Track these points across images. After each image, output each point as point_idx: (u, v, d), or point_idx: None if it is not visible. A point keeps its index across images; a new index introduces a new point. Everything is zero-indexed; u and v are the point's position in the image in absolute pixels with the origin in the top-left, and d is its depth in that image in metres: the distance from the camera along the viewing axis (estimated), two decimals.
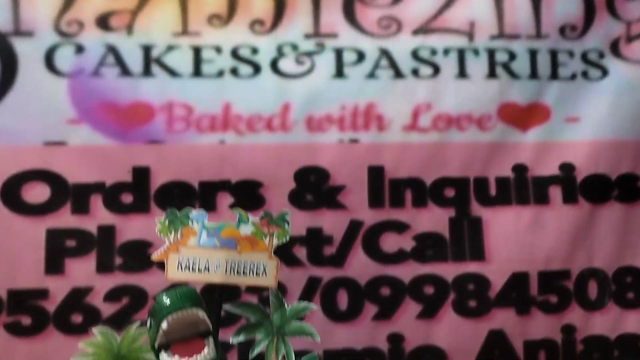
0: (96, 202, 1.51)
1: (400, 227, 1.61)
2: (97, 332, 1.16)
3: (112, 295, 1.49)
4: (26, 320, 1.47)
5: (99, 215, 1.51)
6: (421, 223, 1.61)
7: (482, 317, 1.62)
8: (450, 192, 1.63)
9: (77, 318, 1.47)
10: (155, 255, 1.21)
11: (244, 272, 1.21)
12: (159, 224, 1.20)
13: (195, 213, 1.21)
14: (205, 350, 0.99)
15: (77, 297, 1.47)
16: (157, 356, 1.00)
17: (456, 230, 1.62)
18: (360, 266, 1.59)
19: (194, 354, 0.99)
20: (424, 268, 1.61)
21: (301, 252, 1.57)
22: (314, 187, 1.58)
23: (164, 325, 0.97)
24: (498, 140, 1.65)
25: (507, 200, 1.65)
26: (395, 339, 1.58)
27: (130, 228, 1.50)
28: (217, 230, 1.22)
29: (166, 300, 0.98)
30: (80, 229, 1.50)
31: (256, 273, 1.22)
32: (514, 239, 1.64)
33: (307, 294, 1.56)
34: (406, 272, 1.60)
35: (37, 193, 1.49)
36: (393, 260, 1.60)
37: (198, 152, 1.56)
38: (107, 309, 1.48)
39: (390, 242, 1.60)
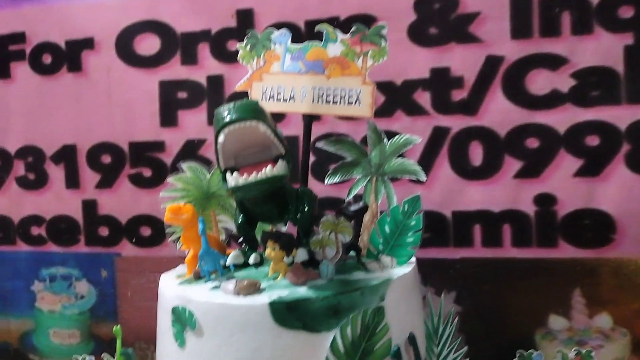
0: (204, 51, 1.44)
1: (554, 62, 1.26)
2: (187, 168, 1.09)
3: None
4: (147, 172, 1.50)
5: (207, 65, 1.44)
6: (583, 55, 1.24)
7: None
8: (627, 12, 1.22)
9: None
10: (238, 86, 1.09)
11: (333, 101, 1.03)
12: (240, 49, 1.07)
13: (277, 33, 1.05)
14: (268, 167, 0.84)
15: (191, 149, 1.45)
16: (225, 180, 0.88)
17: (634, 62, 1.22)
18: (499, 113, 1.29)
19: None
20: (586, 113, 1.25)
21: (424, 98, 1.32)
22: (439, 16, 1.30)
23: (221, 138, 0.84)
24: None
25: None
26: (545, 201, 1.28)
27: (238, 78, 1.40)
28: (302, 52, 1.05)
29: (224, 113, 0.85)
30: (190, 80, 1.45)
31: (348, 101, 1.03)
32: None
33: (431, 148, 1.33)
34: (562, 119, 1.26)
35: (148, 44, 1.47)
36: (544, 105, 1.27)
37: None
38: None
39: (540, 82, 1.27)
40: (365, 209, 0.95)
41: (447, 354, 1.01)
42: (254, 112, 0.86)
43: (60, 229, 1.58)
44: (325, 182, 1.06)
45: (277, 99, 1.05)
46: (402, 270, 0.93)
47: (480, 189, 1.32)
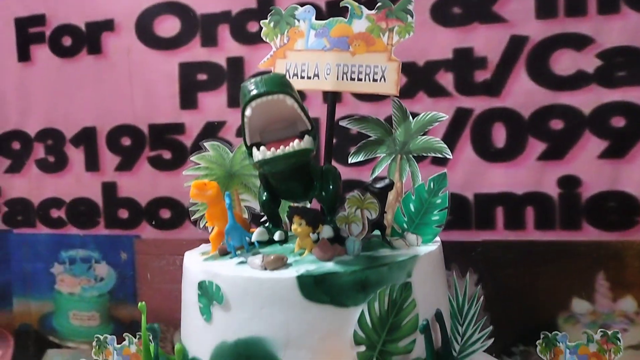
0: (224, 33, 1.43)
1: (579, 42, 1.24)
2: (209, 146, 1.08)
3: None
4: (167, 155, 1.50)
5: (228, 46, 1.43)
6: (609, 35, 1.23)
7: None
8: None
9: None
10: (262, 63, 1.08)
11: (358, 78, 1.02)
12: (263, 26, 1.07)
13: (302, 10, 1.04)
14: (296, 141, 0.83)
15: (211, 131, 1.44)
16: (251, 155, 0.88)
17: None
18: (523, 94, 1.28)
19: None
20: (612, 94, 1.23)
21: (447, 79, 1.31)
22: None
23: (248, 111, 0.84)
24: None
25: None
26: (569, 183, 1.27)
27: (258, 59, 1.39)
28: (326, 29, 1.04)
29: (250, 86, 0.84)
30: (210, 62, 1.45)
31: (373, 78, 1.02)
32: None
33: (454, 130, 1.32)
34: (587, 99, 1.25)
35: (168, 26, 1.46)
36: (569, 86, 1.26)
37: None
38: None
39: (565, 63, 1.25)
40: (391, 185, 0.94)
41: (471, 334, 1.00)
42: (282, 85, 0.85)
43: (80, 211, 1.58)
44: (349, 160, 1.05)
45: (300, 77, 1.04)
46: (428, 247, 0.92)
47: (503, 171, 1.31)
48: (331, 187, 0.94)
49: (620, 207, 1.25)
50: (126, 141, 1.53)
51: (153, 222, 1.53)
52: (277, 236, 0.95)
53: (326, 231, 0.90)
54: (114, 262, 1.58)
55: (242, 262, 0.88)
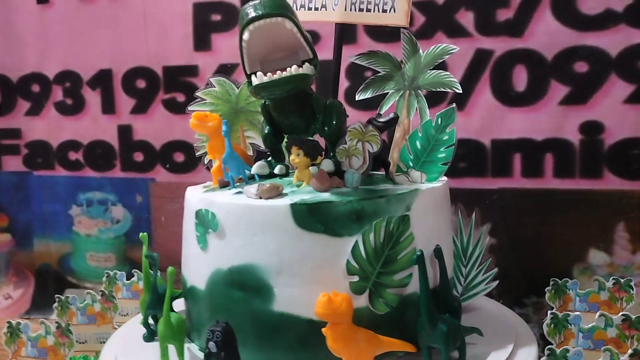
0: None
1: None
2: (215, 82, 1.07)
3: None
4: (180, 97, 1.49)
5: None
6: None
7: None
8: None
9: None
10: None
11: (367, 8, 0.98)
12: None
13: None
14: (294, 67, 0.81)
15: (224, 74, 1.42)
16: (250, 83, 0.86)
17: None
18: (547, 35, 1.21)
19: None
20: None
21: (466, 18, 1.26)
22: None
23: (245, 35, 0.81)
24: None
25: None
26: (592, 129, 1.22)
27: None
28: None
29: (248, 9, 0.81)
30: (224, 2, 1.42)
31: (382, 9, 0.98)
32: None
33: (472, 72, 1.27)
34: (614, 41, 1.18)
35: None
36: (595, 26, 1.19)
37: None
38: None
39: (592, 1, 1.18)
40: (395, 119, 0.91)
41: (475, 275, 0.98)
42: (281, 8, 0.82)
43: (97, 154, 1.60)
44: (357, 97, 1.02)
45: (308, 8, 1.01)
46: (431, 184, 0.89)
47: (523, 116, 1.26)
48: (334, 122, 0.91)
49: None
50: (141, 83, 1.52)
51: (167, 166, 1.54)
52: (277, 170, 0.93)
53: (326, 164, 0.88)
54: (129, 205, 1.59)
55: (239, 192, 0.87)
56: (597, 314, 0.93)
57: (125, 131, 1.56)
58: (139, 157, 1.56)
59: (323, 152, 0.92)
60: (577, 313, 0.96)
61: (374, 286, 0.79)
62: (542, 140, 1.25)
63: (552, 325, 0.97)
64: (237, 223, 0.81)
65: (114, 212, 1.61)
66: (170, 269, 0.84)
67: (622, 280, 1.01)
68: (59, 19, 1.58)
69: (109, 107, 1.56)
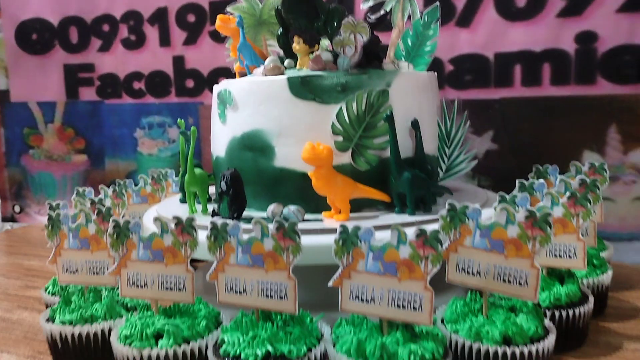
0: None
1: None
2: None
3: None
4: None
5: None
6: None
7: None
8: None
9: None
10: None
11: None
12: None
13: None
14: None
15: None
16: None
17: None
18: None
19: None
20: None
21: None
22: None
23: None
24: None
25: None
26: (586, 39, 1.31)
27: None
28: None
29: None
30: None
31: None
32: None
33: None
34: None
35: None
36: None
37: None
38: None
39: None
40: (384, 16, 1.07)
41: (457, 155, 1.12)
42: None
43: (156, 82, 1.84)
44: (361, 6, 1.17)
45: None
46: (412, 70, 1.04)
47: (523, 29, 1.37)
48: (335, 25, 1.08)
49: (636, 60, 1.27)
50: (191, 18, 1.74)
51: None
52: (286, 63, 1.11)
53: (324, 53, 1.05)
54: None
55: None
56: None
57: (178, 61, 1.79)
58: (190, 83, 1.79)
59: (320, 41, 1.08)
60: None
61: (356, 147, 0.96)
62: (540, 51, 1.35)
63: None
64: (247, 96, 1.01)
65: (170, 133, 1.86)
66: (192, 127, 1.04)
67: (596, 164, 1.10)
68: None
69: (165, 40, 1.80)
